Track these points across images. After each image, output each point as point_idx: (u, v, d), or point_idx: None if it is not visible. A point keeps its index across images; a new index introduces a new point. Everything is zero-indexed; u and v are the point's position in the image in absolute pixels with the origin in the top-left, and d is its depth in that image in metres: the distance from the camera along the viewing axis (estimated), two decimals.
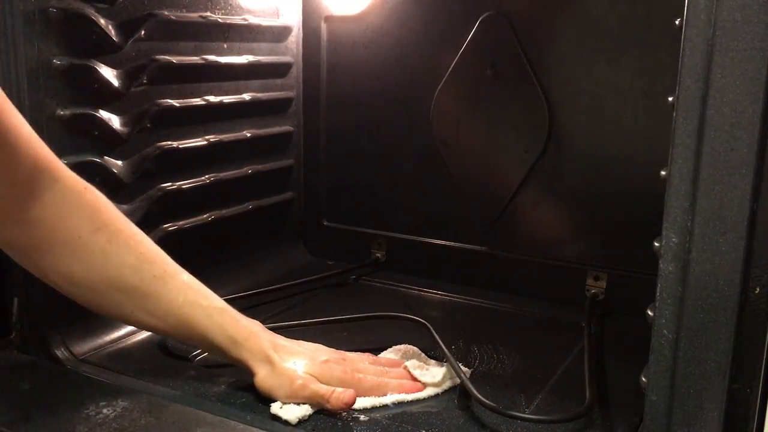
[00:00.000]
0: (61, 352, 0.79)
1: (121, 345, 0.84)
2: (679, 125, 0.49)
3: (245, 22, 1.05)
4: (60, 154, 0.71)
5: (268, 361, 0.70)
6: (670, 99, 0.51)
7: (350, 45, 1.14)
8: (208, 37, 1.00)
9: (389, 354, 0.81)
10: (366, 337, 0.88)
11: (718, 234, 0.49)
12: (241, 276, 1.07)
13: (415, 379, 0.75)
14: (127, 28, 0.88)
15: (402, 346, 0.82)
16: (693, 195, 0.49)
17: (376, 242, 1.18)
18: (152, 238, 0.93)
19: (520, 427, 0.69)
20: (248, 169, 1.10)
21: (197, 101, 0.99)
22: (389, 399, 0.72)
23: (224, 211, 1.06)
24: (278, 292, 1.03)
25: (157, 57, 0.92)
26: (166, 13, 0.92)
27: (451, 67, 1.06)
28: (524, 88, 1.01)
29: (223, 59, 1.02)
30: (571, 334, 0.91)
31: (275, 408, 0.68)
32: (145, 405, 0.68)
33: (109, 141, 0.88)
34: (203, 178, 1.02)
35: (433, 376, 0.76)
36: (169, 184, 0.96)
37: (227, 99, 1.04)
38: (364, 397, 0.71)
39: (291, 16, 1.15)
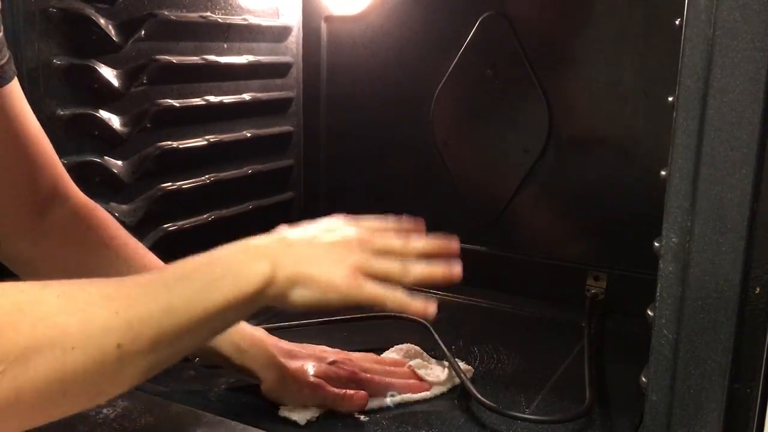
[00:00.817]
0: None
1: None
2: (679, 125, 0.49)
3: (245, 22, 1.05)
4: (60, 154, 0.71)
5: (276, 366, 0.70)
6: (670, 99, 0.51)
7: (350, 45, 1.14)
8: (208, 37, 1.00)
9: (391, 354, 0.81)
10: (366, 337, 0.88)
11: (718, 234, 0.49)
12: None
13: (420, 379, 0.75)
14: (127, 28, 0.88)
15: (404, 346, 0.82)
16: (693, 195, 0.49)
17: None
18: (152, 238, 0.93)
19: (520, 428, 0.69)
20: (248, 169, 1.10)
21: (197, 101, 0.99)
22: (396, 399, 0.72)
23: (224, 211, 1.06)
24: None
25: (157, 57, 0.92)
26: (166, 13, 0.92)
27: (451, 67, 1.06)
28: (524, 88, 1.01)
29: (223, 59, 1.02)
30: (571, 334, 0.91)
31: (284, 410, 0.68)
32: (145, 405, 0.68)
33: (109, 141, 0.88)
34: (203, 178, 1.02)
35: (437, 375, 0.76)
36: (169, 184, 0.96)
37: (227, 99, 1.04)
38: (371, 397, 0.71)
39: (291, 16, 1.15)
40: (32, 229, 0.68)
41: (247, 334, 0.72)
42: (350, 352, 0.77)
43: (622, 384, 0.78)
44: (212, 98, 1.01)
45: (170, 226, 0.96)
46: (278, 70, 1.15)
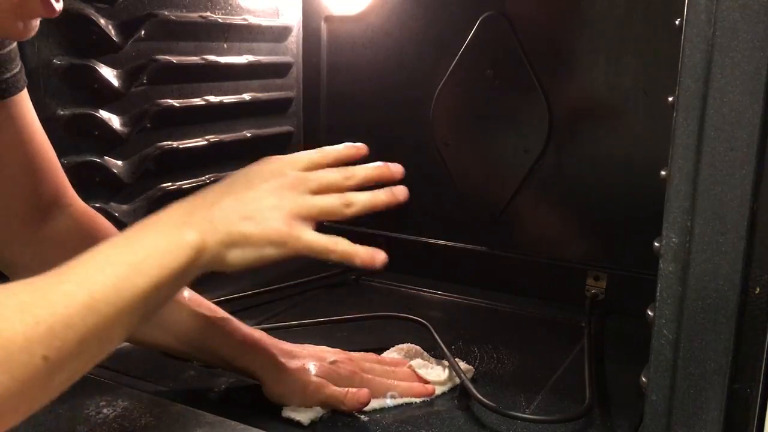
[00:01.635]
0: None
1: (121, 345, 0.84)
2: (679, 125, 0.49)
3: (245, 22, 1.05)
4: (60, 154, 0.71)
5: (276, 367, 0.70)
6: (670, 99, 0.51)
7: (350, 45, 1.14)
8: (208, 37, 1.00)
9: (392, 353, 0.81)
10: (366, 337, 0.88)
11: (718, 234, 0.49)
12: (241, 276, 1.07)
13: (420, 378, 0.75)
14: (127, 28, 0.88)
15: (404, 346, 0.82)
16: (693, 195, 0.49)
17: (376, 242, 1.17)
18: None
19: (520, 427, 0.69)
20: None
21: (197, 101, 0.99)
22: (397, 401, 0.73)
23: None
24: (278, 292, 1.03)
25: (157, 57, 0.92)
26: (166, 13, 0.92)
27: (451, 67, 1.06)
28: (524, 88, 1.01)
29: (223, 59, 1.02)
30: (571, 334, 0.91)
31: (287, 411, 0.68)
32: (145, 405, 0.68)
33: (109, 141, 0.88)
34: (203, 178, 1.02)
35: (437, 374, 0.76)
36: (169, 184, 0.96)
37: (227, 99, 1.04)
38: (372, 397, 0.71)
39: (291, 16, 1.15)
40: (33, 236, 0.68)
41: (247, 335, 0.72)
42: (350, 352, 0.77)
43: (622, 384, 0.78)
44: (212, 98, 1.01)
45: None
46: (278, 70, 1.15)
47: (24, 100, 0.66)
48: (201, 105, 1.00)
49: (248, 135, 1.08)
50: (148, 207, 0.92)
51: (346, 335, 0.88)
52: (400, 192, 0.63)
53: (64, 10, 0.79)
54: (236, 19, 1.04)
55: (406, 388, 0.73)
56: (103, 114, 0.86)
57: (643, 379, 0.55)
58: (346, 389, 0.69)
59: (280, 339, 0.74)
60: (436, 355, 0.81)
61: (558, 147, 1.02)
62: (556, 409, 0.73)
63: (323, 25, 1.16)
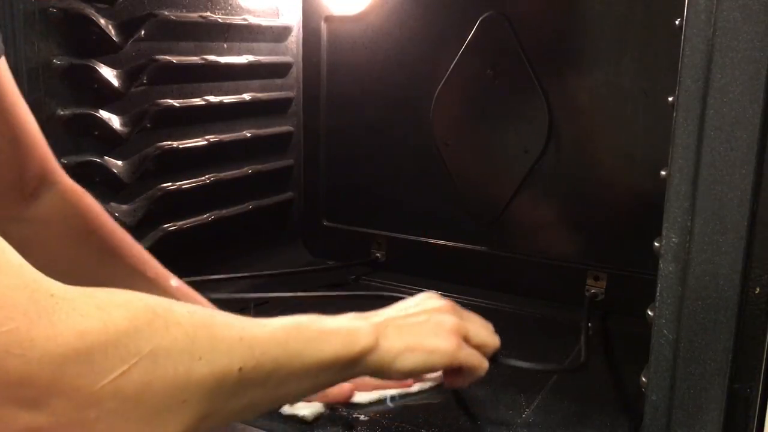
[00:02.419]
0: None
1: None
2: (679, 125, 0.49)
3: (245, 22, 1.05)
4: (60, 154, 0.71)
5: None
6: (670, 99, 0.51)
7: (350, 45, 1.14)
8: (208, 37, 1.01)
9: None
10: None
11: (718, 234, 0.49)
12: (240, 281, 1.07)
13: None
14: (127, 28, 0.88)
15: None
16: (693, 195, 0.49)
17: (375, 242, 1.17)
18: (152, 238, 0.93)
19: (520, 427, 0.69)
20: (248, 169, 1.10)
21: (197, 101, 0.99)
22: (392, 392, 0.73)
23: (224, 211, 1.06)
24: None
25: (157, 57, 0.92)
26: (166, 13, 0.92)
27: (451, 67, 1.06)
28: (524, 88, 1.01)
29: (223, 59, 1.02)
30: (571, 334, 0.91)
31: (287, 408, 0.68)
32: None
33: (109, 141, 0.88)
34: (203, 178, 1.02)
35: None
36: (169, 184, 0.96)
37: (227, 99, 1.04)
38: (359, 391, 0.72)
39: (291, 16, 1.15)
40: (20, 212, 0.68)
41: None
42: None
43: (622, 384, 0.78)
44: (212, 98, 1.01)
45: (170, 226, 0.96)
46: (278, 70, 1.15)
47: (1, 68, 0.64)
48: (201, 105, 1.00)
49: (248, 135, 1.08)
50: (148, 207, 0.92)
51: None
52: None
53: (65, 9, 0.79)
54: (236, 19, 1.04)
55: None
56: (103, 114, 0.86)
57: (643, 379, 0.55)
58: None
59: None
60: None
61: (558, 147, 1.02)
62: (556, 409, 0.73)
63: (323, 25, 1.16)
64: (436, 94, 1.08)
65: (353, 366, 0.56)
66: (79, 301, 0.36)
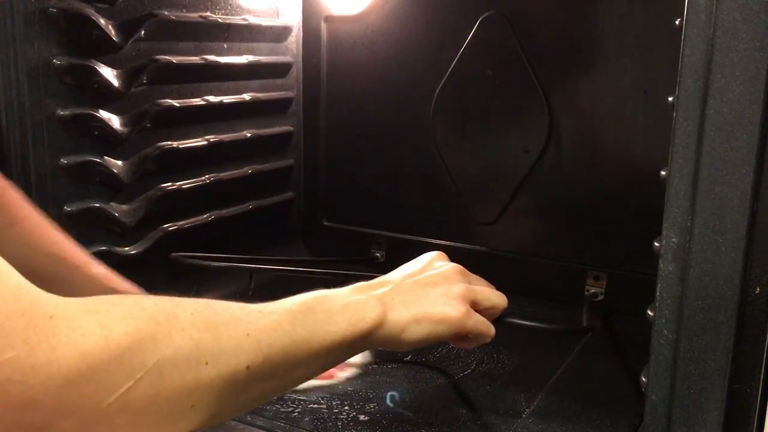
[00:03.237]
0: None
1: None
2: (679, 125, 0.49)
3: (245, 22, 1.06)
4: (60, 154, 0.71)
5: None
6: (670, 99, 0.51)
7: (350, 45, 1.14)
8: (208, 37, 1.01)
9: None
10: None
11: (718, 234, 0.49)
12: (241, 276, 1.07)
13: None
14: (127, 28, 0.88)
15: None
16: (693, 195, 0.49)
17: (376, 242, 1.17)
18: (152, 238, 0.93)
19: (521, 427, 0.69)
20: (248, 169, 1.10)
21: (197, 101, 0.99)
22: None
23: (224, 211, 1.06)
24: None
25: (157, 57, 0.92)
26: (166, 13, 0.92)
27: (451, 67, 1.06)
28: (524, 88, 1.01)
29: (223, 59, 1.02)
30: (571, 334, 0.91)
31: None
32: None
33: (109, 141, 0.88)
34: (203, 178, 1.02)
35: None
36: (169, 184, 0.96)
37: (227, 99, 1.04)
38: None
39: (291, 16, 1.15)
40: None
41: None
42: None
43: (622, 384, 0.78)
44: (212, 98, 1.01)
45: (170, 226, 0.96)
46: (278, 70, 1.15)
47: None
48: (201, 105, 1.00)
49: (248, 135, 1.08)
50: (148, 207, 0.92)
51: None
52: None
53: (65, 9, 0.79)
54: (236, 19, 1.04)
55: None
56: (103, 114, 0.86)
57: (643, 379, 0.55)
58: None
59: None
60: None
61: (558, 147, 1.02)
62: (556, 409, 0.73)
63: (323, 25, 1.16)
64: (436, 94, 1.08)
65: (361, 343, 0.55)
66: (79, 319, 0.36)
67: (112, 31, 0.86)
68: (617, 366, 0.83)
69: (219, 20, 1.01)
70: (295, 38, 1.17)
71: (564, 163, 1.02)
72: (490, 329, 0.65)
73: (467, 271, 0.67)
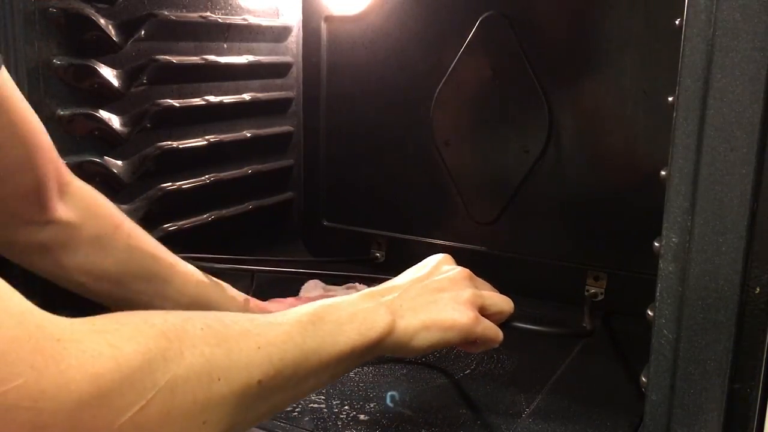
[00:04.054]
0: None
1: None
2: (679, 125, 0.49)
3: (245, 22, 1.06)
4: (60, 154, 0.71)
5: None
6: (670, 99, 0.51)
7: (350, 45, 1.14)
8: (208, 37, 1.01)
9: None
10: None
11: (718, 234, 0.49)
12: (242, 276, 1.07)
13: None
14: (127, 28, 0.88)
15: (308, 284, 0.91)
16: (693, 195, 0.49)
17: (375, 242, 1.18)
18: (152, 237, 0.93)
19: (521, 427, 0.69)
20: (248, 169, 1.10)
21: (197, 101, 0.99)
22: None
23: (224, 211, 1.06)
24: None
25: (157, 57, 0.92)
26: (166, 13, 0.92)
27: (451, 67, 1.06)
28: (524, 88, 1.01)
29: (223, 59, 1.02)
30: (575, 338, 0.91)
31: None
32: None
33: (109, 141, 0.88)
34: (203, 178, 1.02)
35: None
36: (169, 184, 0.96)
37: (227, 99, 1.04)
38: None
39: (291, 16, 1.15)
40: (43, 216, 0.68)
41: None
42: None
43: (622, 384, 0.78)
44: (212, 98, 1.01)
45: (170, 226, 0.96)
46: (278, 70, 1.15)
47: (3, 78, 0.64)
48: (201, 105, 1.00)
49: (248, 135, 1.08)
50: (148, 207, 0.92)
51: None
52: None
53: (65, 9, 0.79)
54: (236, 19, 1.04)
55: None
56: (103, 114, 0.86)
57: (643, 379, 0.55)
58: None
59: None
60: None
61: (558, 147, 1.02)
62: (556, 409, 0.73)
63: (323, 25, 1.16)
64: (436, 94, 1.08)
65: (370, 351, 0.55)
66: (88, 340, 0.35)
67: (112, 31, 0.86)
68: (617, 366, 0.83)
69: (219, 20, 1.01)
70: (295, 38, 1.17)
71: (564, 163, 1.02)
72: (499, 334, 0.64)
73: (474, 276, 0.67)
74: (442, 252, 0.71)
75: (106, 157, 0.88)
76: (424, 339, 0.58)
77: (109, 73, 0.86)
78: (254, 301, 0.82)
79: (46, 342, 0.34)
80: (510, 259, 1.07)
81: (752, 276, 0.49)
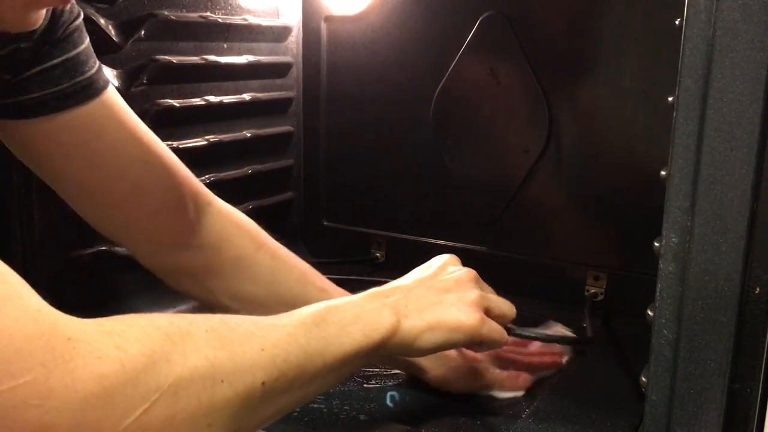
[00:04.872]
0: None
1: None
2: (679, 125, 0.49)
3: (245, 22, 1.05)
4: None
5: (442, 355, 0.70)
6: (670, 99, 0.51)
7: (350, 45, 1.14)
8: (208, 37, 1.00)
9: None
10: None
11: (718, 234, 0.49)
12: None
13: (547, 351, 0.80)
14: (127, 28, 0.88)
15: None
16: (693, 195, 0.49)
17: (375, 242, 1.18)
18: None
19: (521, 427, 0.69)
20: (248, 169, 1.10)
21: (197, 101, 0.99)
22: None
23: None
24: None
25: (157, 57, 0.92)
26: (166, 13, 0.92)
27: (451, 67, 1.06)
28: (524, 88, 1.01)
29: (223, 59, 1.02)
30: (577, 345, 0.90)
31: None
32: None
33: None
34: (203, 178, 1.02)
35: (558, 330, 0.84)
36: None
37: (227, 99, 1.04)
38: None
39: (291, 16, 1.15)
40: (188, 239, 0.69)
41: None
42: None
43: (622, 384, 0.78)
44: (212, 98, 1.01)
45: None
46: (278, 70, 1.15)
47: (113, 98, 0.65)
48: (201, 105, 1.00)
49: (248, 135, 1.08)
50: None
51: None
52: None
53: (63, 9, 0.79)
54: (236, 19, 1.04)
55: (540, 363, 0.77)
56: None
57: (643, 379, 0.55)
58: (505, 372, 0.72)
59: None
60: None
61: (558, 147, 1.02)
62: (556, 409, 0.73)
63: (323, 25, 1.16)
64: (436, 94, 1.08)
65: (375, 352, 0.55)
66: (96, 341, 0.36)
67: (112, 31, 0.86)
68: (617, 366, 0.83)
69: (219, 20, 1.01)
70: (295, 38, 1.17)
71: (564, 163, 1.02)
72: (504, 336, 0.65)
73: (479, 278, 0.67)
74: (443, 252, 0.71)
75: None
76: (429, 339, 0.58)
77: (109, 73, 0.86)
78: None
79: (58, 341, 0.34)
80: (510, 259, 1.07)
81: (752, 276, 0.49)
